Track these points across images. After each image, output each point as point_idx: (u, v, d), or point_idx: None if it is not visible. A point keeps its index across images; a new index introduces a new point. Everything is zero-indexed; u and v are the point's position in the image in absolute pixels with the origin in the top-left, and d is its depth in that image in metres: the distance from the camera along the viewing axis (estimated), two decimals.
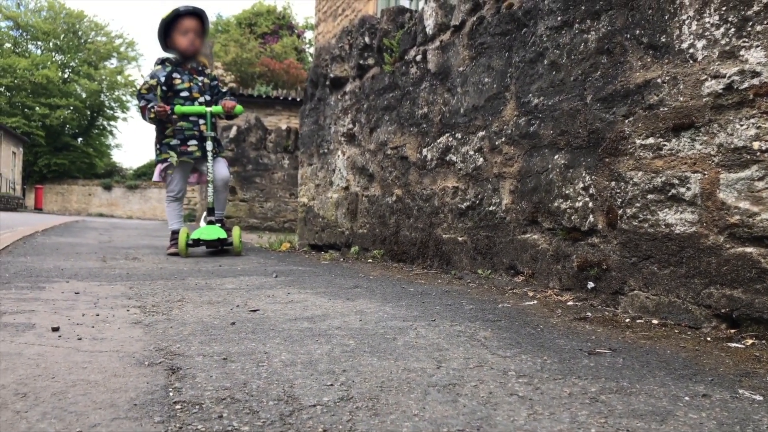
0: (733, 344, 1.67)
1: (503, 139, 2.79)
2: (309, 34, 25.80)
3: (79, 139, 42.00)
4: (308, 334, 1.74)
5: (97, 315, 1.96)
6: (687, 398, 1.23)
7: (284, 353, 1.51)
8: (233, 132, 9.88)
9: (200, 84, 4.78)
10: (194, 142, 4.70)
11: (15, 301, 2.15)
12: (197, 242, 4.58)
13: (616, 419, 1.11)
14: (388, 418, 1.09)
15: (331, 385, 1.27)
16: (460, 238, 3.14)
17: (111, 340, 1.62)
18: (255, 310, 2.11)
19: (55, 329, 1.68)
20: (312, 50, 21.62)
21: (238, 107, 4.73)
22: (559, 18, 2.46)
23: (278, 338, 1.68)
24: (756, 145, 1.71)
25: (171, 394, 1.18)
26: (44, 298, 2.24)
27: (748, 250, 1.73)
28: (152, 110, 4.48)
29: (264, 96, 16.55)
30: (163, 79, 4.65)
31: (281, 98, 16.48)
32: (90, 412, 1.07)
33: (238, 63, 20.79)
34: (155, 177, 4.99)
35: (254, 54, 21.38)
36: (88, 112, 42.76)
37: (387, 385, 1.28)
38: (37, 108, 37.87)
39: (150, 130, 4.82)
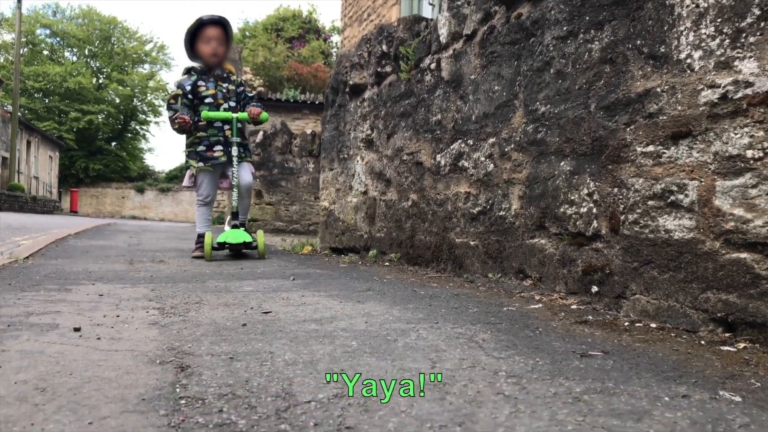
0: (726, 348, 1.71)
1: (512, 146, 2.85)
2: (336, 38, 26.01)
3: (113, 143, 42.96)
4: (314, 335, 1.83)
5: (118, 316, 2.07)
6: (667, 399, 1.28)
7: (288, 353, 1.60)
8: (260, 137, 10.06)
9: (225, 90, 4.92)
10: (220, 147, 4.84)
11: (42, 303, 2.28)
12: (222, 246, 4.73)
13: (594, 417, 1.17)
14: (377, 414, 1.17)
15: (328, 383, 1.35)
16: (472, 243, 3.21)
17: (128, 339, 1.72)
18: (267, 312, 2.21)
19: (77, 329, 1.79)
20: None
21: (264, 114, 4.86)
22: (564, 28, 2.52)
23: (285, 339, 1.77)
24: (749, 153, 1.75)
25: (177, 390, 1.28)
26: (70, 300, 2.37)
27: (743, 255, 1.77)
28: (176, 121, 4.67)
29: (292, 100, 16.77)
30: (188, 88, 4.82)
31: (309, 102, 16.68)
32: (101, 406, 1.17)
33: (266, 67, 21.04)
34: (185, 182, 5.17)
35: (282, 58, 21.63)
36: (122, 117, 43.71)
37: (381, 384, 1.35)
38: (72, 113, 38.82)
39: (180, 135, 5.05)
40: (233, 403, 1.21)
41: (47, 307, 2.18)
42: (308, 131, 10.71)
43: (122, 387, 1.28)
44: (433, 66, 3.63)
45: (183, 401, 1.21)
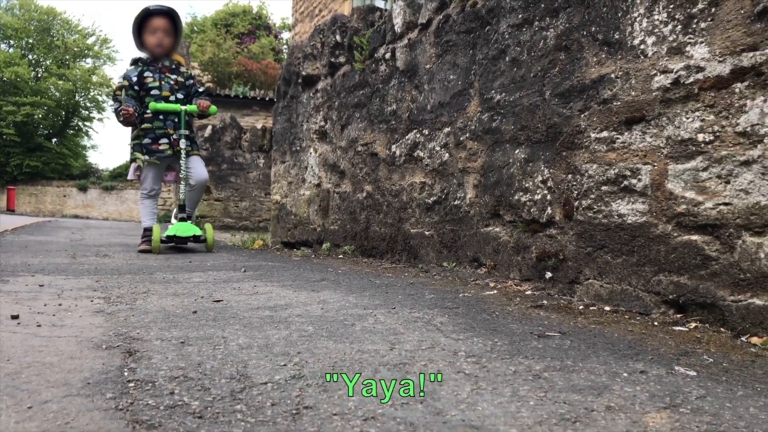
0: (678, 328, 1.73)
1: (467, 135, 2.85)
2: (286, 35, 25.72)
3: (54, 140, 41.35)
4: (268, 321, 1.78)
5: (60, 305, 1.97)
6: (625, 374, 1.29)
7: (242, 338, 1.55)
8: (208, 131, 9.85)
9: (171, 82, 4.78)
10: (165, 140, 4.71)
11: None
12: (171, 239, 4.59)
13: (556, 393, 1.16)
14: (336, 394, 1.13)
15: (285, 365, 1.30)
16: (427, 233, 3.19)
17: (71, 326, 1.64)
18: (219, 301, 2.14)
19: (15, 317, 1.69)
20: None
21: (213, 107, 4.75)
22: (520, 16, 2.53)
23: (238, 325, 1.71)
24: (701, 137, 1.78)
25: (126, 373, 1.21)
26: (6, 291, 2.24)
27: (694, 237, 1.80)
28: (120, 113, 4.51)
29: (241, 96, 16.48)
30: (134, 79, 4.68)
31: (258, 98, 16.43)
32: (42, 390, 1.10)
33: (215, 63, 20.65)
34: (130, 176, 5.01)
35: (231, 54, 21.26)
36: (63, 113, 42.14)
37: (339, 365, 1.32)
38: (7, 107, 37.20)
39: (126, 131, 4.92)
40: (185, 385, 1.15)
41: None
42: (259, 126, 10.55)
43: (65, 371, 1.21)
44: (387, 56, 3.60)
45: (132, 384, 1.15)
